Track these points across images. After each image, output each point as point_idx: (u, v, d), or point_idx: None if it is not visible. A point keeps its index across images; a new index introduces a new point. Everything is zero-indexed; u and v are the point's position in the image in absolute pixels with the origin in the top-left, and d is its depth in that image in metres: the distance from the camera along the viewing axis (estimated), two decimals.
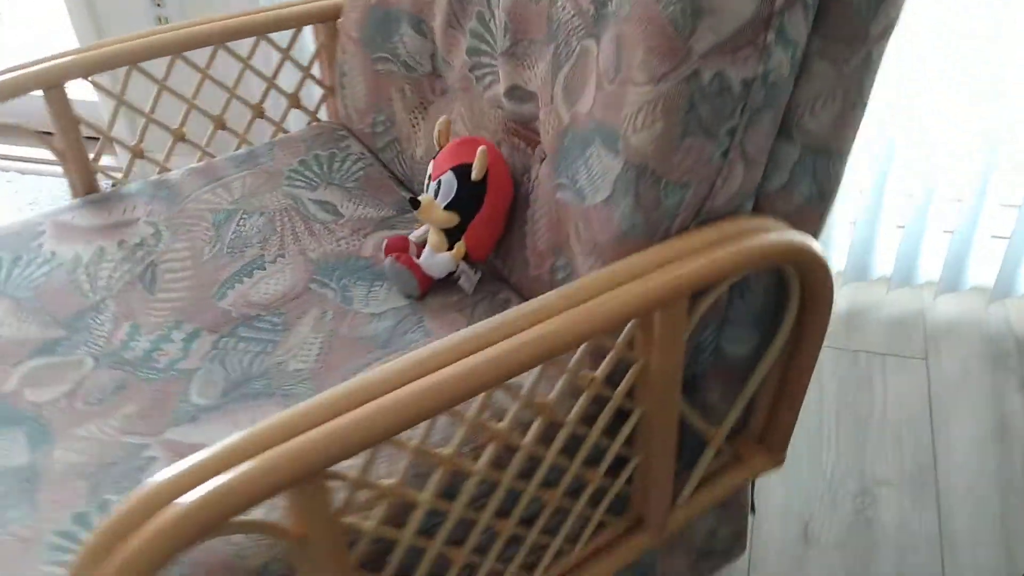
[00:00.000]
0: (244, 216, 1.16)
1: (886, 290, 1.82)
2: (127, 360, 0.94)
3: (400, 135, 1.24)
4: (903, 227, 1.73)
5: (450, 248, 1.03)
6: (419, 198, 1.02)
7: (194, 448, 0.82)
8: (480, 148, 0.99)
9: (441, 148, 1.04)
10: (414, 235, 1.10)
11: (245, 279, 1.06)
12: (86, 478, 0.81)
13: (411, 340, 0.97)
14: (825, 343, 1.70)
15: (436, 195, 1.02)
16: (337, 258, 1.10)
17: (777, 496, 1.42)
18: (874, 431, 1.52)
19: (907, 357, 1.66)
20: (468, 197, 1.01)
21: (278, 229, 1.14)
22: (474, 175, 1.00)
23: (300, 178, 1.24)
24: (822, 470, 1.45)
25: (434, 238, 1.04)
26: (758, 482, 1.44)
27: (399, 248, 1.08)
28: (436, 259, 1.04)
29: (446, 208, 1.02)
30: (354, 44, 1.26)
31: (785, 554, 1.33)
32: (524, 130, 1.03)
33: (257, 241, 1.12)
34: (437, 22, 1.14)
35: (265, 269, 1.08)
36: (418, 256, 1.06)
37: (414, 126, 1.22)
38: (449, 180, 1.01)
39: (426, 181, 1.04)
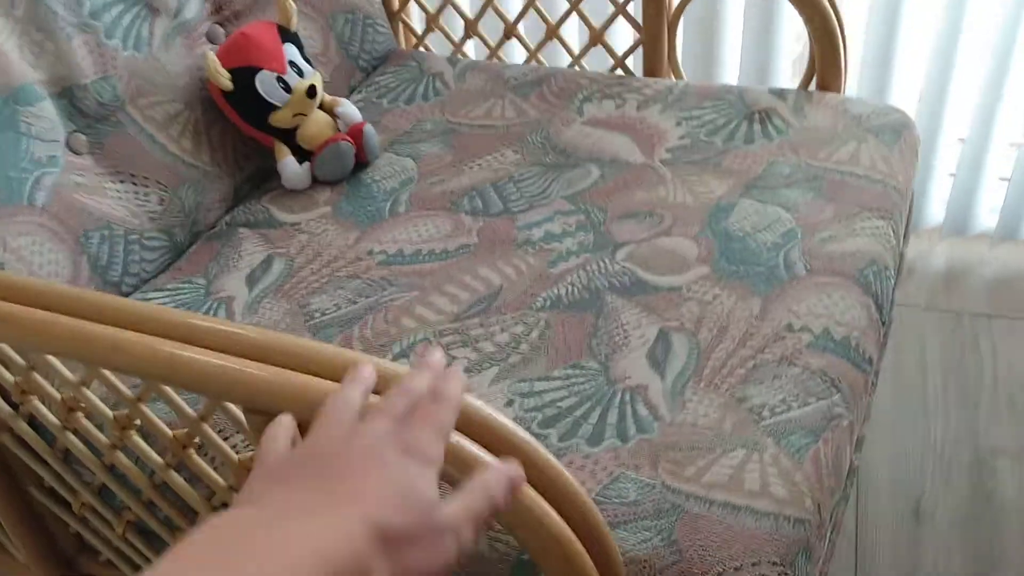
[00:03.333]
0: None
1: (989, 246, 1.69)
2: None
3: None
4: (1007, 179, 1.60)
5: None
6: (303, 84, 1.06)
7: None
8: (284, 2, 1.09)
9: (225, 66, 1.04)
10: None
11: None
12: None
13: None
14: (924, 305, 1.58)
15: (302, 75, 1.07)
16: None
17: (883, 471, 1.32)
18: (986, 397, 1.41)
19: (1016, 319, 1.54)
20: (302, 50, 1.11)
21: None
22: (293, 26, 1.10)
23: None
24: (931, 442, 1.35)
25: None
26: (863, 457, 1.34)
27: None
28: (349, 108, 1.13)
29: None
30: None
31: (897, 534, 1.23)
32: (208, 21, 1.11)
33: None
34: None
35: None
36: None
37: None
38: (292, 51, 1.08)
39: (276, 82, 1.05)
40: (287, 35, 1.08)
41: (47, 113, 0.92)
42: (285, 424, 0.50)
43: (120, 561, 0.91)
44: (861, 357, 0.83)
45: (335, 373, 0.58)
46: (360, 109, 1.17)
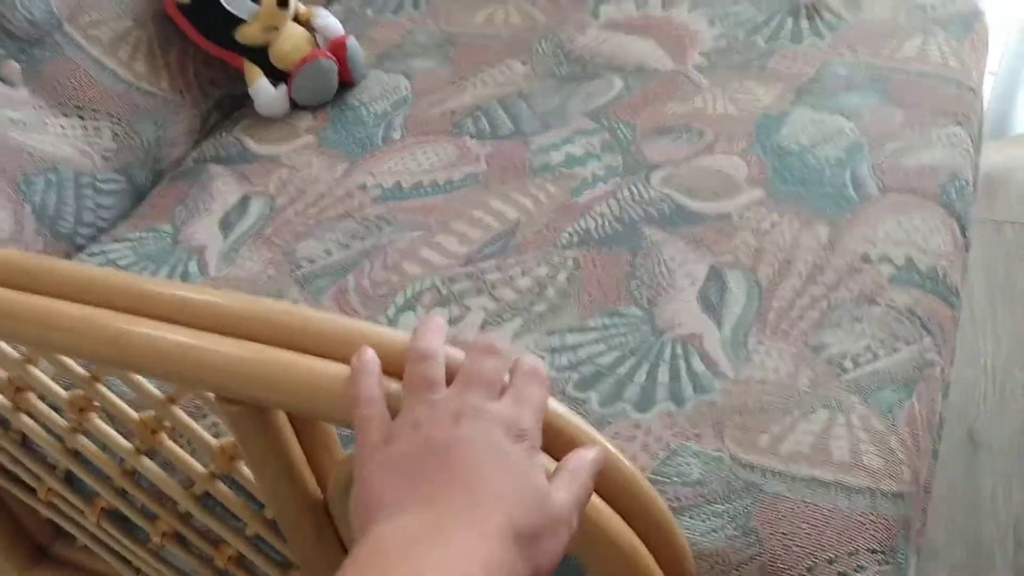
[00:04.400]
0: None
1: None
2: None
3: None
4: None
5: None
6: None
7: None
8: None
9: None
10: None
11: None
12: None
13: None
14: None
15: None
16: None
17: None
18: None
19: None
20: None
21: None
22: None
23: None
24: (981, 363, 1.23)
25: None
26: None
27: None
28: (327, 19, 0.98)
29: None
30: None
31: (952, 461, 1.12)
32: None
33: None
34: None
35: None
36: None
37: None
38: None
39: None
40: None
41: None
42: (374, 384, 0.44)
43: (98, 547, 0.79)
44: (949, 290, 0.71)
45: (336, 350, 0.45)
46: (341, 21, 1.02)
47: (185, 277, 0.78)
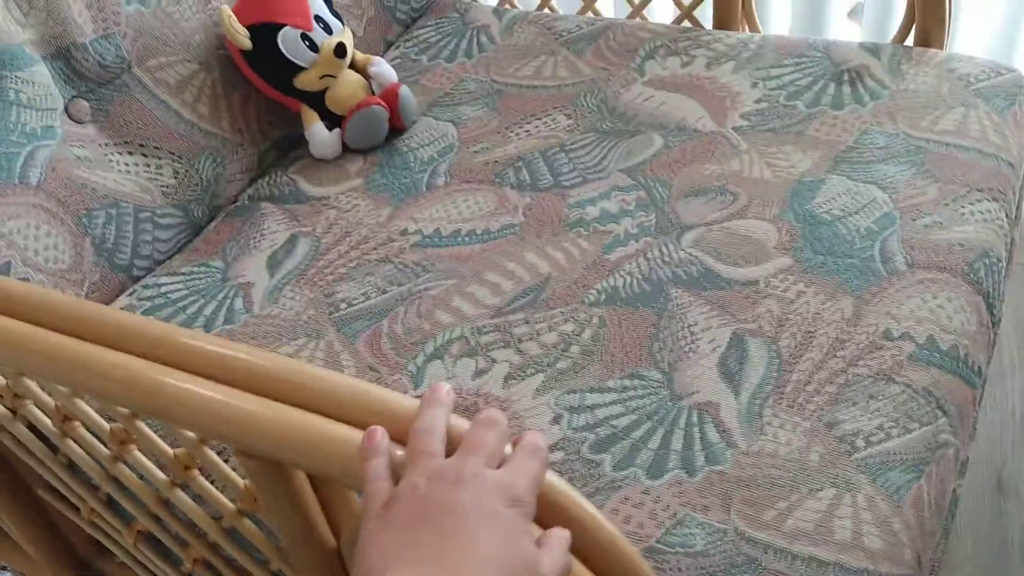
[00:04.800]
0: None
1: None
2: None
3: None
4: None
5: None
6: (330, 42, 0.96)
7: None
8: None
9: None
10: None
11: None
12: None
13: None
14: None
15: (330, 31, 0.97)
16: None
17: None
18: None
19: None
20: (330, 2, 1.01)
21: None
22: None
23: None
24: (1009, 408, 1.22)
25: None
26: None
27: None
28: (383, 67, 1.03)
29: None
30: None
31: (979, 508, 1.11)
32: None
33: None
34: None
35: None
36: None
37: None
38: (319, 5, 0.98)
39: (300, 40, 0.95)
40: None
41: (40, 79, 0.82)
42: (383, 464, 0.47)
43: (136, 566, 0.83)
44: (971, 370, 0.71)
45: (351, 414, 0.48)
46: (396, 67, 1.06)
47: (230, 313, 0.82)
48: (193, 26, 0.95)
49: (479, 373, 0.74)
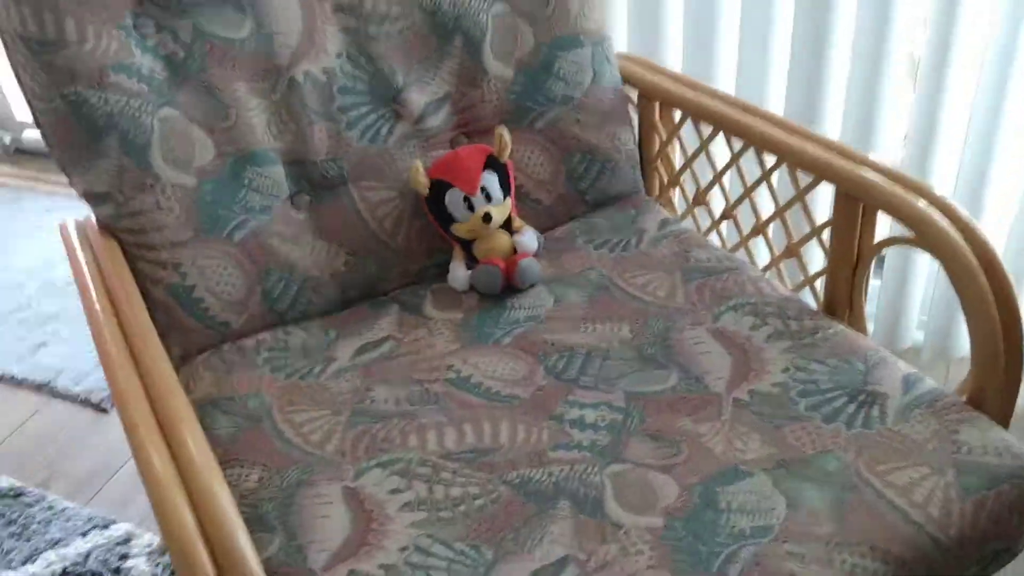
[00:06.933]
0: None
1: None
2: None
3: None
4: None
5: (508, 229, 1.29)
6: (481, 211, 1.23)
7: None
8: (497, 131, 1.25)
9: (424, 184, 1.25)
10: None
11: None
12: None
13: None
14: None
15: (490, 199, 1.24)
16: None
17: None
18: None
19: None
20: (504, 180, 1.26)
21: None
22: (504, 157, 1.26)
23: None
24: None
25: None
26: None
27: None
28: (527, 236, 1.29)
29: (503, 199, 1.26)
30: None
31: None
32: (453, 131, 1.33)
33: None
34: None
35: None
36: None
37: None
38: (490, 179, 1.24)
39: (462, 201, 1.23)
40: (494, 164, 1.25)
41: (273, 175, 1.21)
42: None
43: None
44: None
45: None
46: (559, 239, 1.30)
47: (304, 375, 1.14)
48: (405, 166, 1.29)
49: (395, 491, 0.97)
